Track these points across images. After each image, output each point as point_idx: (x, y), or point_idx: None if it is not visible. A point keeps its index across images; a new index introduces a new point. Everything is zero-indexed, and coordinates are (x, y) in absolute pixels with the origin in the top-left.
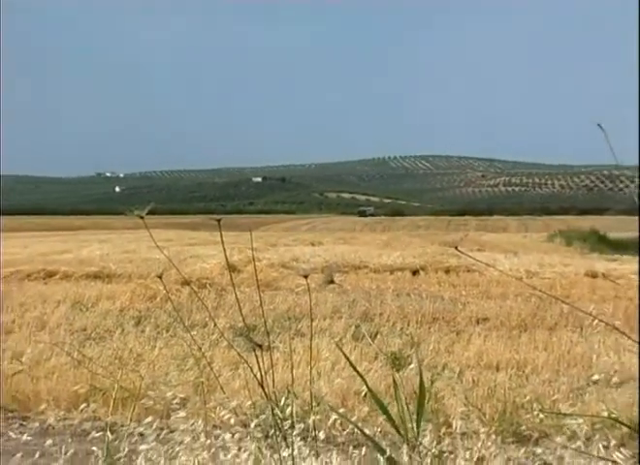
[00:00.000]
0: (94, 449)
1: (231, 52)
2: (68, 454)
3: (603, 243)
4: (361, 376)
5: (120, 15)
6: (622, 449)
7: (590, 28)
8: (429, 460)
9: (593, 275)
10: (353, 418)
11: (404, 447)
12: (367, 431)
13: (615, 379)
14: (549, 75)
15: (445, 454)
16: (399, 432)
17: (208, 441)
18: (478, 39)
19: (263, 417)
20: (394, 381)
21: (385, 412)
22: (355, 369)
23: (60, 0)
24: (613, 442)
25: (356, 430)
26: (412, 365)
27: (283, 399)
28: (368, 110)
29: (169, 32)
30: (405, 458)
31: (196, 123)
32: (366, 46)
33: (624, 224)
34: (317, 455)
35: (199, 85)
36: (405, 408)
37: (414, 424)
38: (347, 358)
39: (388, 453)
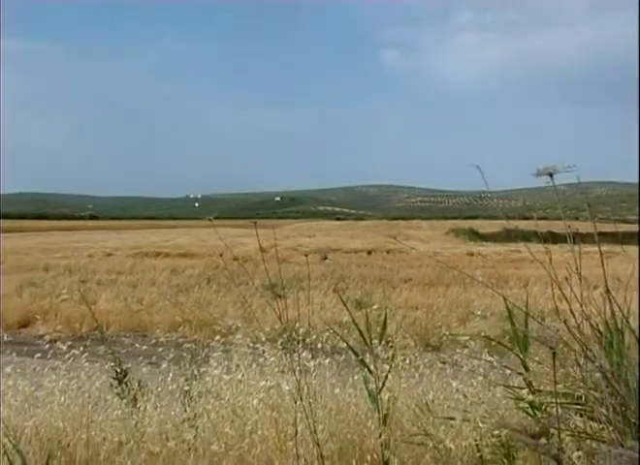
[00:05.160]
0: (185, 354)
1: (258, 131)
2: (171, 356)
3: (476, 236)
4: (349, 311)
5: (199, 99)
6: (492, 355)
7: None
8: (380, 361)
9: (471, 254)
10: (335, 338)
11: (367, 354)
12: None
13: (485, 314)
14: (451, 139)
15: (390, 358)
16: (366, 343)
17: (251, 350)
18: (402, 113)
19: (284, 336)
20: (366, 314)
21: (359, 330)
22: (346, 307)
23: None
24: (485, 350)
25: (337, 345)
26: (375, 307)
27: (293, 326)
28: (342, 159)
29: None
30: (368, 360)
31: (242, 167)
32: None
33: (487, 225)
34: (315, 358)
35: (243, 148)
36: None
37: (368, 341)
38: (344, 303)
39: (360, 357)
